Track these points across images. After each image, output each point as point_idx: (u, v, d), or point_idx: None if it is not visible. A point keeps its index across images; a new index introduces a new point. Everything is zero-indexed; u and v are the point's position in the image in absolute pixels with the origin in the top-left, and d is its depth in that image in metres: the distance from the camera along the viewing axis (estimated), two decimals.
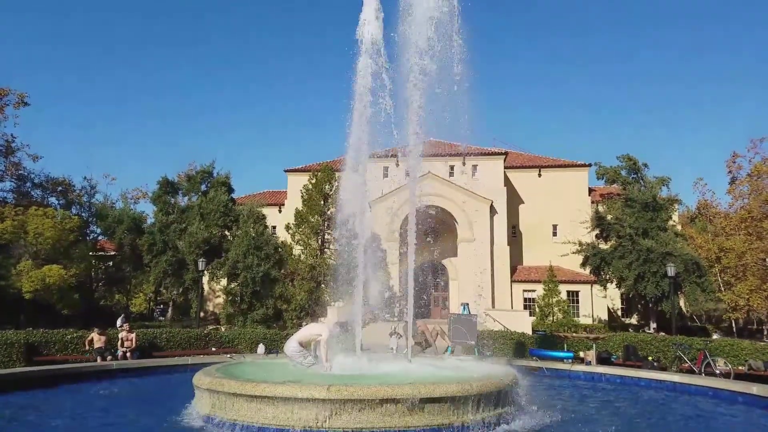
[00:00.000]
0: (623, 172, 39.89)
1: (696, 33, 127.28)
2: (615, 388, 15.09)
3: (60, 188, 44.72)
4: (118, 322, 28.56)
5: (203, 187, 43.30)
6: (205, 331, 22.88)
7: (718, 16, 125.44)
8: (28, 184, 43.72)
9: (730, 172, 51.14)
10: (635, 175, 39.80)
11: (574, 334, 26.60)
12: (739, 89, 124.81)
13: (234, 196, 44.42)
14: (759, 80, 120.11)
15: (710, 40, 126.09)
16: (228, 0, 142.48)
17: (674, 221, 41.22)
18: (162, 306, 53.23)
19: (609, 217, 39.56)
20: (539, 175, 50.44)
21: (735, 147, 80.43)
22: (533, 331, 30.60)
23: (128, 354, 18.52)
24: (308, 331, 11.68)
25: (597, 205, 44.20)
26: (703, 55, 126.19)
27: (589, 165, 48.84)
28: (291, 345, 11.39)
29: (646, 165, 39.85)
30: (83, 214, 45.07)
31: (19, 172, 42.92)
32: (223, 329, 28.89)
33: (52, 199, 44.94)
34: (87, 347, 18.47)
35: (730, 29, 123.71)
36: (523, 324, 30.59)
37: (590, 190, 50.26)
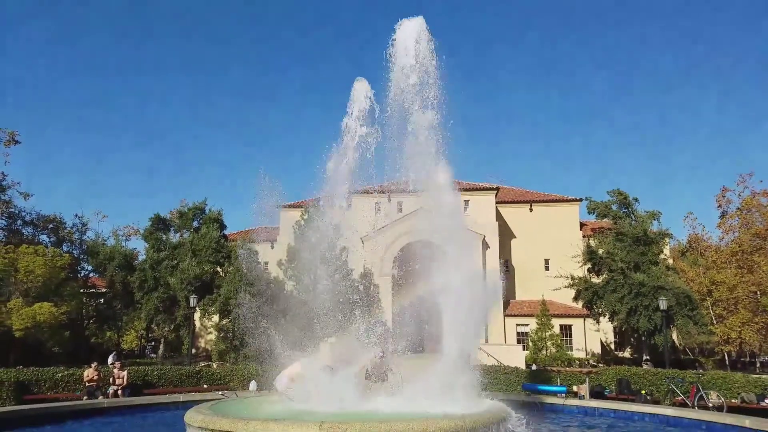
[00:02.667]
0: (614, 207, 40.27)
1: (686, 65, 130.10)
2: (608, 422, 15.07)
3: (51, 226, 44.61)
4: (110, 360, 28.30)
5: (195, 224, 43.37)
6: (197, 368, 22.73)
7: (708, 46, 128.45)
8: (19, 222, 43.63)
9: (719, 206, 51.84)
10: (626, 210, 40.18)
11: (567, 368, 26.51)
12: (728, 122, 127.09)
13: (227, 232, 44.47)
14: (748, 112, 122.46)
15: (701, 71, 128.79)
16: (220, 31, 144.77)
17: (665, 255, 41.47)
18: (153, 343, 52.69)
19: (600, 251, 39.76)
20: (531, 210, 50.84)
21: (723, 182, 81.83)
22: (527, 365, 30.49)
23: (119, 392, 18.38)
24: (299, 366, 11.64)
25: (588, 240, 44.46)
26: (693, 87, 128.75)
27: (580, 200, 49.30)
28: (282, 381, 11.35)
29: (636, 199, 40.29)
30: (74, 252, 44.89)
31: (10, 210, 42.88)
32: (214, 366, 28.63)
33: (43, 237, 44.82)
34: (86, 384, 18.38)
35: (721, 62, 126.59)
36: (516, 358, 30.48)
37: (581, 225, 50.60)
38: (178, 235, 44.15)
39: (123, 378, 18.85)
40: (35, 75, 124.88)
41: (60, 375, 18.64)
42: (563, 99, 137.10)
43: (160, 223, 43.44)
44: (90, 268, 46.24)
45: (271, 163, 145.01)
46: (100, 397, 17.73)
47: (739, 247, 44.38)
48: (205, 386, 20.87)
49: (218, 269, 41.40)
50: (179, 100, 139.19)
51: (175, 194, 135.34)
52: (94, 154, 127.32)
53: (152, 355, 48.82)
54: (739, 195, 49.13)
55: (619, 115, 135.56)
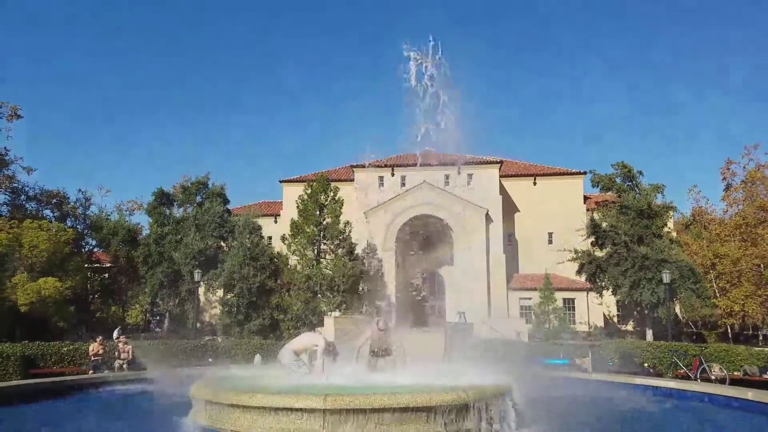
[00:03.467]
0: (618, 180, 40.03)
1: (692, 40, 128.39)
2: (611, 395, 15.13)
3: (54, 200, 44.65)
4: (115, 334, 28.45)
5: (198, 199, 43.38)
6: (202, 342, 22.90)
7: (714, 23, 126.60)
8: (23, 197, 43.67)
9: (724, 178, 51.58)
10: (630, 183, 39.95)
11: (570, 342, 26.64)
12: (733, 96, 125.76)
13: (229, 206, 44.46)
14: (752, 87, 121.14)
15: (705, 46, 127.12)
16: (222, 10, 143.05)
17: (669, 228, 41.37)
18: (158, 317, 53.06)
19: (604, 224, 39.66)
20: (534, 184, 50.66)
21: (728, 154, 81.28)
22: (529, 338, 30.68)
23: (125, 366, 18.55)
24: (304, 340, 11.64)
25: (592, 213, 44.33)
26: (698, 61, 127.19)
27: (584, 173, 49.05)
28: (285, 354, 11.32)
29: (640, 172, 40.03)
30: (78, 226, 44.99)
31: (13, 185, 42.89)
32: (219, 340, 28.84)
33: (47, 212, 44.89)
34: (92, 358, 18.51)
35: (727, 37, 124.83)
36: (519, 332, 30.67)
37: (585, 198, 50.45)
38: (181, 209, 44.20)
39: (128, 352, 19.01)
40: (37, 49, 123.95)
41: (66, 349, 18.79)
42: (567, 72, 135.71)
43: (164, 198, 43.47)
44: (94, 243, 46.40)
45: (273, 138, 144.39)
46: (106, 371, 17.89)
47: (743, 219, 44.21)
48: (210, 360, 21.04)
49: (222, 244, 41.46)
50: (183, 73, 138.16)
51: (178, 169, 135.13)
52: (97, 129, 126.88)
53: (157, 329, 49.19)
54: (744, 167, 48.89)
55: (623, 88, 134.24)
